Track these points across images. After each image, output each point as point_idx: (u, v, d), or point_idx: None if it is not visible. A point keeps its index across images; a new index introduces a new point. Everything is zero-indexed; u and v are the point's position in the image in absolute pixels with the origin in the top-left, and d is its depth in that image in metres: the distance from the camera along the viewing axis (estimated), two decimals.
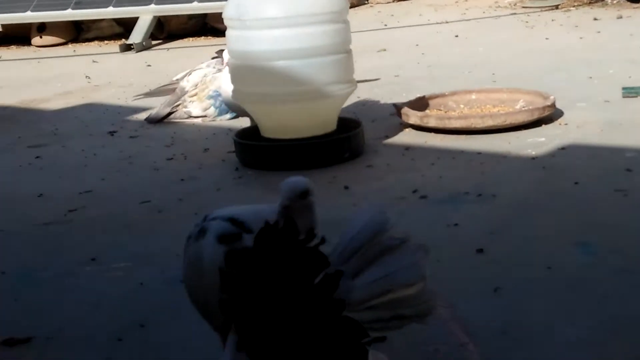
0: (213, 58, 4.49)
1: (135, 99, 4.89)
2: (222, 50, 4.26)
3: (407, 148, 3.55)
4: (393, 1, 8.21)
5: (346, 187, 3.16)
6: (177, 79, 4.60)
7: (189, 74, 4.48)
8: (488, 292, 2.28)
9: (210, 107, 4.28)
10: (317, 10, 3.42)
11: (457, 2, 7.77)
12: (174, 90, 4.48)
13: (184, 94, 4.35)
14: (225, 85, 3.97)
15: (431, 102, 3.94)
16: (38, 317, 2.36)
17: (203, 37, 6.97)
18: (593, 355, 1.95)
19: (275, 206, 1.85)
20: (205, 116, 4.29)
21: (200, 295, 1.88)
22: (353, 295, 1.72)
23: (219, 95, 4.19)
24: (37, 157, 3.86)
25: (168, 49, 6.49)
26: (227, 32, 3.55)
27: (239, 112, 3.99)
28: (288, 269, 1.58)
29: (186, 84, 4.40)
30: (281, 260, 1.59)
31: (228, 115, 4.27)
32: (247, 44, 3.45)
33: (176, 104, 4.34)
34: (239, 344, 1.56)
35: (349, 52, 3.58)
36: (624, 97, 3.99)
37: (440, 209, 2.87)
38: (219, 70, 4.23)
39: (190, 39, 6.89)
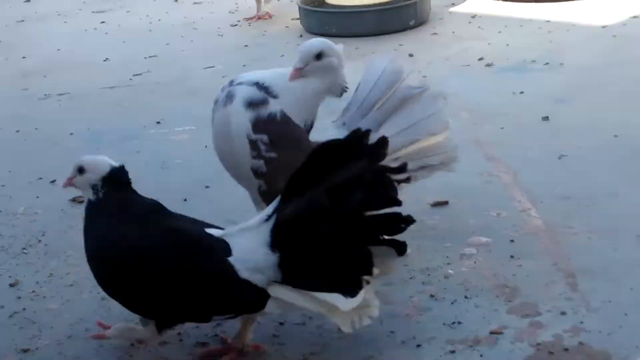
0: None
1: None
2: None
3: (474, 16, 3.50)
4: None
5: (411, 55, 3.13)
6: None
7: None
8: (552, 159, 2.28)
9: None
10: None
11: None
12: None
13: None
14: None
15: None
16: None
17: None
18: None
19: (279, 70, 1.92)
20: None
21: (230, 159, 1.94)
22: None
23: None
24: (102, 22, 3.88)
25: None
26: None
27: None
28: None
29: None
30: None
31: None
32: None
33: None
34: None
35: None
36: None
37: (506, 77, 2.85)
38: None
39: None
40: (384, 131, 1.80)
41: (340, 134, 1.80)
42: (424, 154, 1.87)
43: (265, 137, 1.84)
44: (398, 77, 1.89)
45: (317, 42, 1.91)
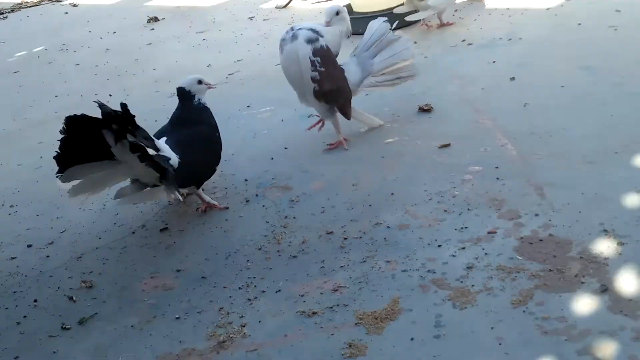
0: None
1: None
2: None
3: (456, 10, 3.41)
4: None
5: (415, 42, 3.06)
6: None
7: None
8: (519, 107, 2.24)
9: None
10: None
11: None
12: None
13: None
14: None
15: None
16: None
17: None
18: (596, 144, 1.93)
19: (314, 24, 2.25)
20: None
21: (296, 76, 2.23)
22: (374, 68, 2.27)
23: None
24: (204, 39, 3.85)
25: None
26: None
27: None
28: None
29: None
30: None
31: None
32: None
33: None
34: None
35: None
36: None
37: (482, 52, 2.79)
38: None
39: None
40: (377, 58, 2.29)
41: (352, 62, 2.29)
42: (400, 71, 2.33)
43: (319, 59, 2.15)
44: (386, 29, 2.32)
45: (334, 6, 2.26)
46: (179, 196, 1.88)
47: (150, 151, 1.79)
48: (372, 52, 2.29)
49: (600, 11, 2.94)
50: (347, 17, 2.26)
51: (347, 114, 2.25)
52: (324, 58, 2.16)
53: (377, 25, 2.33)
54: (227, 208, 2.01)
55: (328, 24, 2.22)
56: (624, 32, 2.66)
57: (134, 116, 1.76)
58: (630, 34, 2.64)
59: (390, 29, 2.32)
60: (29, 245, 2.02)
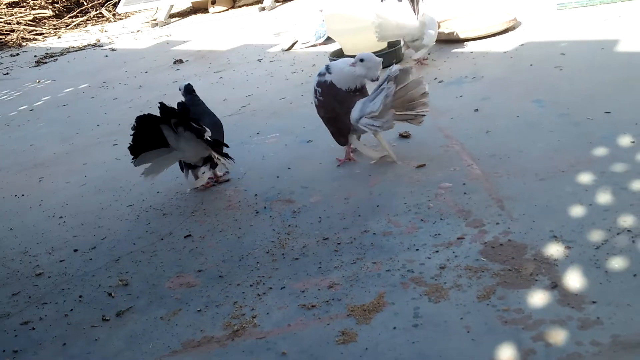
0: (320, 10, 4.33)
1: (273, 36, 4.82)
2: (322, 10, 4.15)
3: (429, 54, 3.42)
4: None
5: None
6: (293, 26, 4.48)
7: (299, 21, 4.36)
8: (482, 134, 2.24)
9: (312, 37, 4.18)
10: None
11: None
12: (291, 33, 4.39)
13: (296, 34, 4.25)
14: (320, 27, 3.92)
15: (442, 24, 3.76)
16: (234, 165, 2.41)
17: None
18: (546, 164, 1.92)
19: (349, 60, 2.18)
20: (309, 42, 4.19)
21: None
22: (366, 110, 2.09)
23: (320, 26, 4.10)
24: (220, 77, 3.87)
25: (286, 7, 6.31)
26: None
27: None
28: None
29: (297, 27, 4.29)
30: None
31: (322, 39, 4.15)
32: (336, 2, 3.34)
33: (294, 40, 4.25)
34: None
35: None
36: (558, 9, 3.74)
37: (451, 88, 2.79)
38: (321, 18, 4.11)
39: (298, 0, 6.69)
40: (371, 104, 2.09)
41: (360, 101, 2.14)
42: (416, 104, 2.14)
43: (320, 90, 2.18)
44: (385, 78, 2.07)
45: (363, 54, 2.12)
46: (228, 162, 2.17)
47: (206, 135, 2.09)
48: (372, 97, 2.10)
49: (548, 54, 2.95)
50: (372, 66, 2.10)
51: (337, 141, 2.26)
52: (324, 90, 2.16)
53: (385, 75, 2.07)
54: (229, 180, 2.28)
55: (354, 65, 2.13)
56: (568, 72, 2.67)
57: (189, 110, 2.12)
58: (573, 73, 2.64)
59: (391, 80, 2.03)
60: (75, 250, 2.01)
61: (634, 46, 2.81)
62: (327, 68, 2.18)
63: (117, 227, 2.11)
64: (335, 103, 2.16)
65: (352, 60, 2.15)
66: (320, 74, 2.19)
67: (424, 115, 2.13)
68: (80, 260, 1.94)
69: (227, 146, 2.14)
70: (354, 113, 2.13)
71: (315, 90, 2.19)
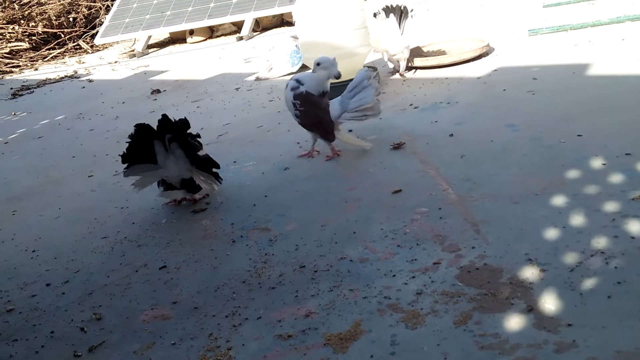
0: (292, 37, 4.37)
1: (245, 63, 4.84)
2: (295, 36, 4.19)
3: (405, 80, 3.47)
4: None
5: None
6: (268, 51, 4.49)
7: (273, 48, 4.38)
8: (457, 158, 2.26)
9: (287, 64, 4.21)
10: (346, 4, 3.31)
11: None
12: (267, 60, 4.41)
13: (272, 62, 4.27)
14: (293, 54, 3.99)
15: (416, 51, 3.81)
16: (210, 194, 2.39)
17: (281, 27, 6.80)
18: (520, 187, 1.93)
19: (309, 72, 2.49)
20: (285, 70, 4.22)
21: (289, 110, 2.54)
22: (349, 106, 2.43)
23: (294, 53, 4.13)
24: (198, 107, 3.86)
25: (263, 36, 6.37)
26: (296, 23, 3.45)
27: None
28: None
29: (272, 55, 4.31)
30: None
31: (297, 67, 4.19)
32: (309, 29, 3.37)
33: (270, 68, 4.27)
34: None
35: (366, 27, 3.47)
36: (529, 36, 3.83)
37: (426, 113, 2.82)
38: (295, 44, 4.14)
39: (274, 29, 6.74)
40: (354, 99, 2.44)
41: (337, 100, 2.47)
42: (366, 111, 2.46)
43: (298, 102, 2.43)
44: (363, 77, 2.45)
45: (317, 58, 2.43)
46: (215, 183, 2.27)
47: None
48: (351, 95, 2.44)
49: (520, 79, 3.00)
50: (329, 65, 2.41)
51: (327, 139, 2.49)
52: (302, 100, 2.43)
53: (359, 73, 2.46)
54: (205, 209, 2.27)
55: (314, 71, 2.43)
56: (540, 96, 2.72)
57: (188, 125, 2.14)
58: (545, 98, 2.69)
59: (371, 77, 2.43)
60: (47, 284, 1.97)
61: (603, 70, 2.87)
62: (298, 81, 2.45)
63: (91, 260, 2.07)
64: (315, 108, 2.43)
65: (304, 73, 2.51)
66: (293, 88, 2.45)
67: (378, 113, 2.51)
68: (53, 295, 1.89)
69: (219, 167, 2.24)
70: (334, 111, 2.43)
71: (294, 103, 2.45)
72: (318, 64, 2.41)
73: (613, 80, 2.72)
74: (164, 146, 2.11)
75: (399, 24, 3.48)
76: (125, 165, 2.18)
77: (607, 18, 3.74)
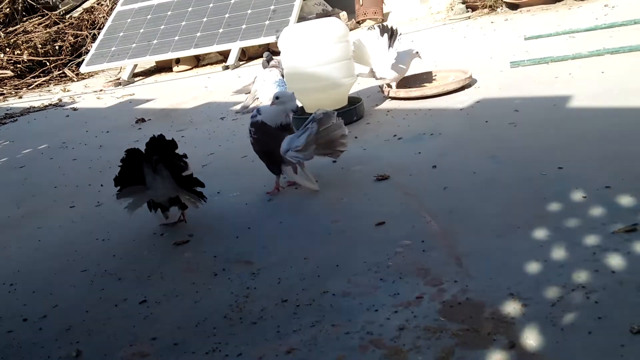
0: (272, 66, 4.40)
1: (232, 95, 4.86)
2: (275, 65, 4.23)
3: (389, 111, 3.50)
4: (375, 24, 7.98)
5: (356, 137, 3.13)
6: (251, 82, 4.52)
7: (256, 78, 4.40)
8: (440, 190, 2.27)
9: (272, 94, 4.23)
10: (331, 36, 3.35)
11: (411, 20, 7.55)
12: (250, 89, 4.43)
13: (257, 92, 4.30)
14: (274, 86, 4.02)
15: (400, 82, 3.86)
16: (193, 226, 2.38)
17: None
18: (502, 220, 1.94)
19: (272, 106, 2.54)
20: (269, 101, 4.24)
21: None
22: (293, 144, 2.40)
23: (280, 83, 4.15)
24: (182, 136, 3.87)
25: (249, 66, 6.42)
26: (281, 54, 3.48)
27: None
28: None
29: (256, 85, 4.34)
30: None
31: None
32: (294, 60, 3.40)
33: (255, 97, 4.29)
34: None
35: (350, 58, 3.51)
36: (511, 67, 3.89)
37: (410, 144, 2.84)
38: (280, 74, 4.17)
39: (261, 59, 6.80)
40: (299, 139, 2.41)
41: (289, 137, 2.46)
42: (336, 143, 2.47)
43: (253, 129, 2.54)
44: (311, 119, 2.39)
45: (276, 92, 2.53)
46: (199, 202, 2.35)
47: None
48: (299, 134, 2.44)
49: (502, 111, 3.04)
50: (287, 100, 2.49)
51: (272, 172, 2.56)
52: (257, 128, 2.52)
53: (310, 117, 2.45)
54: (187, 242, 2.27)
55: (273, 104, 2.51)
56: (521, 128, 2.75)
57: (175, 145, 2.24)
58: (526, 129, 2.72)
59: (314, 120, 2.39)
60: (25, 320, 1.93)
61: (583, 103, 2.91)
62: (258, 110, 2.54)
63: (69, 294, 2.04)
64: (267, 138, 2.49)
65: (264, 106, 2.65)
66: (252, 116, 2.55)
67: (342, 151, 2.48)
68: (30, 331, 1.86)
69: (203, 185, 2.29)
70: (283, 146, 2.45)
71: (250, 130, 2.55)
72: (277, 98, 2.49)
73: (592, 113, 2.77)
74: (152, 167, 2.18)
75: (389, 46, 3.63)
76: (118, 188, 2.26)
77: (587, 51, 3.81)
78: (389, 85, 3.74)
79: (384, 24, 3.72)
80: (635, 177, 2.04)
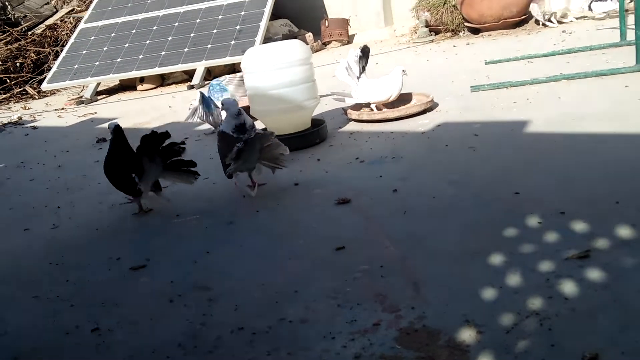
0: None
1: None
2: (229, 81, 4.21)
3: (352, 133, 3.51)
4: (341, 45, 8.07)
5: (318, 159, 3.12)
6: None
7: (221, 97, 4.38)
8: (400, 214, 2.27)
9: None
10: (294, 58, 3.35)
11: (375, 42, 7.64)
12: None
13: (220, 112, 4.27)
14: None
15: (363, 104, 3.89)
16: (150, 249, 2.33)
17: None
18: (460, 246, 1.95)
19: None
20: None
21: None
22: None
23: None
24: None
25: None
26: (244, 75, 3.47)
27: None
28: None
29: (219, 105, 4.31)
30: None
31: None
32: (257, 82, 3.39)
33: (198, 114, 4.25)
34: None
35: (314, 81, 3.53)
36: (472, 92, 3.95)
37: (372, 167, 2.85)
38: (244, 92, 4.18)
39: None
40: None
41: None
42: (280, 158, 2.77)
43: (218, 137, 2.82)
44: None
45: (223, 100, 2.81)
46: (192, 179, 2.80)
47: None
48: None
49: (462, 135, 3.08)
50: (229, 106, 2.76)
51: (226, 174, 2.76)
52: (219, 138, 2.83)
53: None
54: (144, 266, 2.23)
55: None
56: (480, 152, 2.79)
57: (166, 135, 2.66)
58: (485, 154, 2.76)
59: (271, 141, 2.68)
60: None
61: (540, 128, 2.97)
62: (222, 122, 2.92)
63: (19, 322, 1.97)
64: (223, 145, 2.74)
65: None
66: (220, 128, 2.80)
67: (281, 167, 2.75)
68: None
69: (194, 164, 2.71)
70: (222, 127, 2.79)
71: (218, 139, 2.83)
72: (223, 104, 2.78)
73: (549, 137, 2.82)
74: (148, 158, 2.61)
75: (360, 67, 3.79)
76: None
77: (545, 76, 3.90)
78: (379, 107, 3.79)
79: (366, 46, 3.81)
80: (588, 203, 2.08)
